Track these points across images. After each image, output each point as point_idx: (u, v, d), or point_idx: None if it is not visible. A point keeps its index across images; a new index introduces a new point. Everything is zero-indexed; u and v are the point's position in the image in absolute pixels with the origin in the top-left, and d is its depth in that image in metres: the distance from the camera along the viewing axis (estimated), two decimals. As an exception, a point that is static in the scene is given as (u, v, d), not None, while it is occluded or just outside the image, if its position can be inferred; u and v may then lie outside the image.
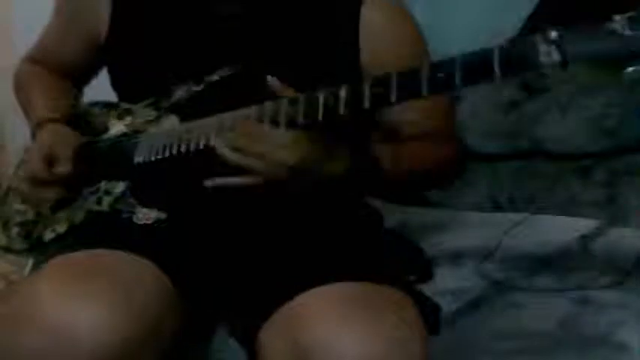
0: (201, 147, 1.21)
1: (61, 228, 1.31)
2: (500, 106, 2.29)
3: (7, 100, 1.54)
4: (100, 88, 1.49)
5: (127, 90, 1.39)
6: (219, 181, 1.17)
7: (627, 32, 0.98)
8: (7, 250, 1.37)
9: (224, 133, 1.17)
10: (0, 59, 1.56)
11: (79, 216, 1.30)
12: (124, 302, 1.07)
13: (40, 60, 1.52)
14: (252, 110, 1.18)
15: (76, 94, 1.51)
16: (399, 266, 1.29)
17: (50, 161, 1.30)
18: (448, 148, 1.33)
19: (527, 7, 2.38)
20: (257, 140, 1.14)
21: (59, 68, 1.49)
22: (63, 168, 1.30)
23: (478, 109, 2.31)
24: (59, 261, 1.15)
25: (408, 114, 1.29)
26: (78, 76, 1.50)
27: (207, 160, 1.20)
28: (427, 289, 1.29)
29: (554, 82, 2.22)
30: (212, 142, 1.19)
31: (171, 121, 1.30)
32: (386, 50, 1.31)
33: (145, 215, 1.25)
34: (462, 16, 2.64)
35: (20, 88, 1.51)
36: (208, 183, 1.18)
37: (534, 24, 2.31)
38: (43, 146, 1.32)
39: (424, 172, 1.29)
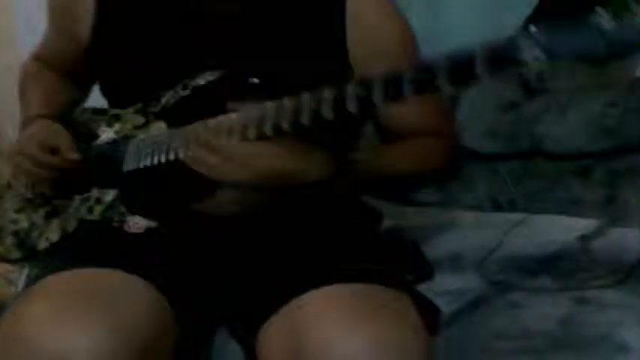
0: (179, 155, 1.22)
1: (54, 237, 1.31)
2: (500, 106, 2.29)
3: (8, 100, 1.54)
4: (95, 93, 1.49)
5: (115, 95, 1.38)
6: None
7: (609, 26, 0.97)
8: (2, 259, 1.37)
9: (190, 141, 1.20)
10: (1, 57, 1.56)
11: (72, 224, 1.30)
12: (118, 326, 1.06)
13: (41, 58, 1.52)
14: (237, 116, 1.18)
15: (75, 94, 1.50)
16: (399, 266, 1.28)
17: (52, 150, 1.31)
18: (445, 146, 1.33)
19: (527, 7, 2.38)
20: (211, 151, 1.17)
21: (59, 67, 1.49)
22: (69, 154, 1.31)
23: (478, 109, 2.31)
24: (50, 283, 1.14)
25: (406, 116, 1.30)
26: (78, 75, 1.49)
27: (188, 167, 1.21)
28: (427, 289, 1.29)
29: (553, 81, 2.22)
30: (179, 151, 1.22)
31: (160, 127, 1.30)
32: (373, 45, 1.31)
33: (136, 224, 1.24)
34: (461, 16, 2.64)
35: (21, 87, 1.51)
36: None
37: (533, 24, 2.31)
38: (37, 134, 1.32)
39: (419, 170, 1.30)
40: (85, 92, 1.53)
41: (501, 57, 1.01)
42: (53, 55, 1.49)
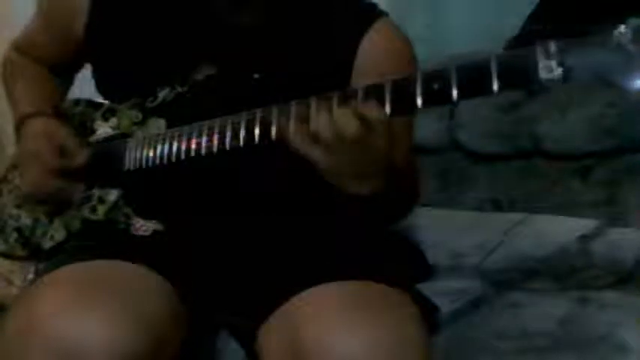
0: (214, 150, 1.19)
1: (59, 236, 1.30)
2: (500, 106, 2.29)
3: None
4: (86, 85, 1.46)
5: (110, 89, 1.35)
6: None
7: (633, 48, 0.93)
8: (8, 256, 1.36)
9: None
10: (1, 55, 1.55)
11: (76, 224, 1.29)
12: (132, 316, 1.06)
13: (25, 51, 1.49)
14: (258, 112, 1.15)
15: (61, 87, 1.48)
16: (399, 266, 1.28)
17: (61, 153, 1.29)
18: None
19: (527, 7, 2.38)
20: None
21: (45, 60, 1.46)
22: (80, 159, 1.29)
23: (478, 109, 2.31)
24: (63, 273, 1.13)
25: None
26: (62, 68, 1.46)
27: (205, 164, 1.20)
28: (427, 289, 1.29)
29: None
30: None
31: (158, 124, 1.27)
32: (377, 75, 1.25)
33: (142, 226, 1.23)
34: (462, 16, 2.65)
35: (7, 78, 1.49)
36: None
37: (534, 24, 2.31)
38: (49, 137, 1.30)
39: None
40: (68, 84, 1.51)
41: (518, 74, 0.98)
42: (39, 48, 1.46)
